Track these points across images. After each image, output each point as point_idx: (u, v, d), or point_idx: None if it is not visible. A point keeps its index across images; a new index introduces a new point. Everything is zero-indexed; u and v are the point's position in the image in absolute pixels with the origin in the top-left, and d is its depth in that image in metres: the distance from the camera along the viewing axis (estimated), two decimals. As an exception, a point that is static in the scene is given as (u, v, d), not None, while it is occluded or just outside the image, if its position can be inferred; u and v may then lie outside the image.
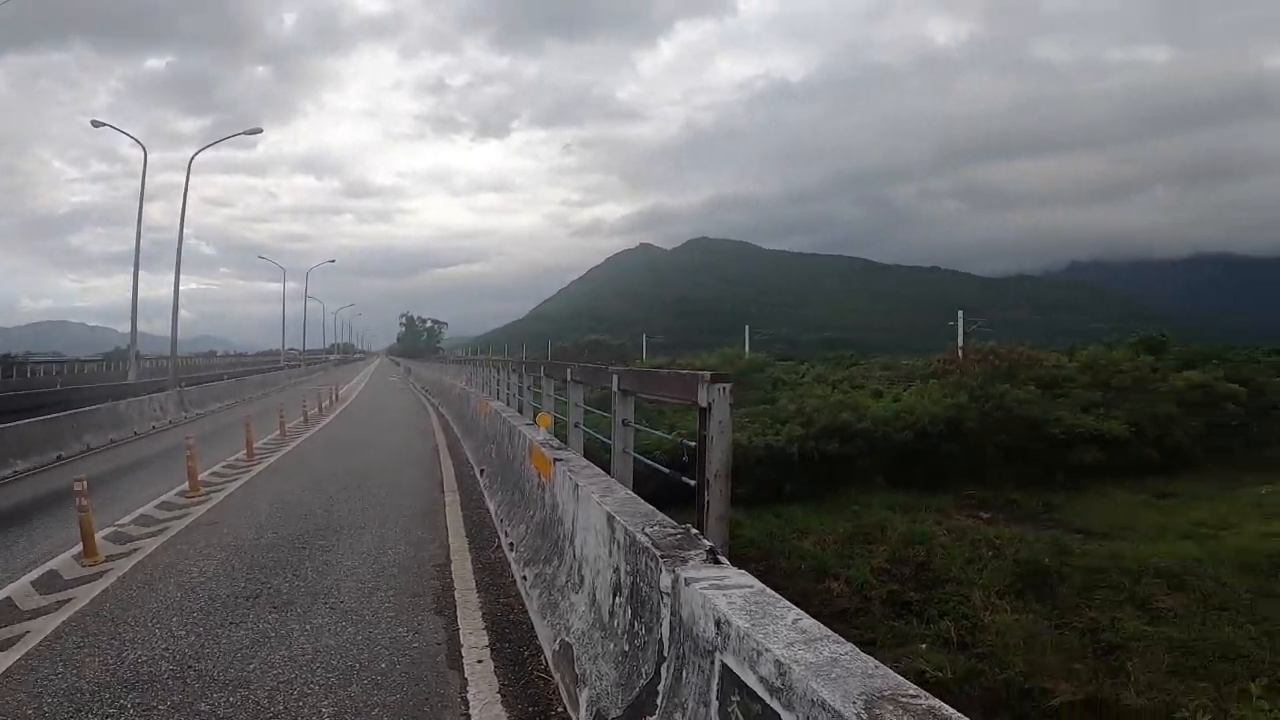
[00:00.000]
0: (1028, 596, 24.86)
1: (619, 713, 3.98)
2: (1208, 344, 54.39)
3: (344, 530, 10.41)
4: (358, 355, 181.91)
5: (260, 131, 45.05)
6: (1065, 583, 25.60)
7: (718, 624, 3.00)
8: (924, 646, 23.40)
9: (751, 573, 3.63)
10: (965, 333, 56.22)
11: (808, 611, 3.06)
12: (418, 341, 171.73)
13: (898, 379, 47.16)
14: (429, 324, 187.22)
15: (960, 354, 46.41)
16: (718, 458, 6.02)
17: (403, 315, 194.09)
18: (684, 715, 3.26)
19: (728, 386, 6.11)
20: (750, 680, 2.67)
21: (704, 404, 6.01)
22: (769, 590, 3.23)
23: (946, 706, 2.12)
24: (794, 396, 39.22)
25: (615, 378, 8.57)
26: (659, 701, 3.54)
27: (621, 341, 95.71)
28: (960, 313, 58.09)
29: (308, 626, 6.54)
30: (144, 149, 39.96)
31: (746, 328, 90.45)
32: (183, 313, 47.61)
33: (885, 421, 33.10)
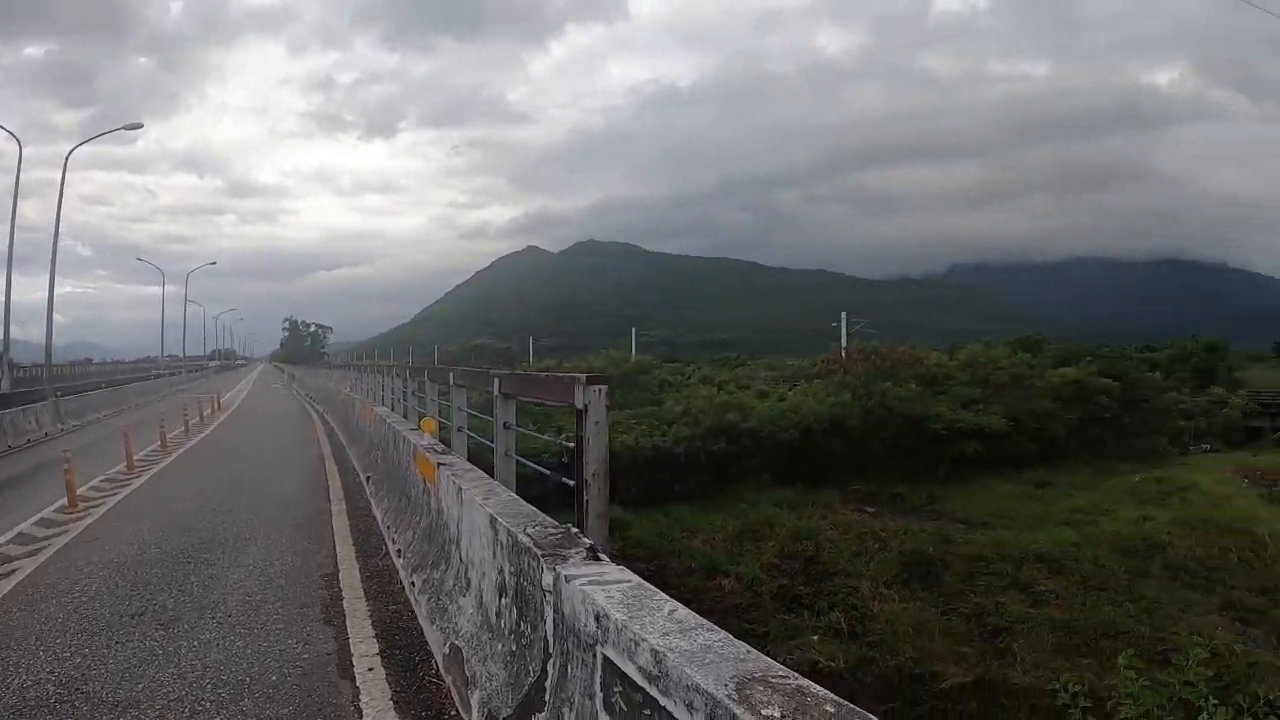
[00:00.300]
0: (914, 585, 27.32)
1: (510, 712, 4.31)
2: (1083, 343, 60.51)
3: (229, 543, 10.71)
4: (240, 361, 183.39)
5: (140, 126, 45.97)
6: (950, 571, 28.26)
7: (598, 618, 3.29)
8: (816, 638, 25.34)
9: (643, 573, 4.02)
10: (849, 333, 60.35)
11: (699, 610, 3.44)
12: (301, 347, 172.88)
13: (783, 379, 50.79)
14: (313, 328, 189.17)
15: (844, 354, 49.96)
16: (595, 457, 6.48)
17: (286, 319, 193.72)
18: (571, 709, 3.56)
19: (603, 388, 6.54)
20: (630, 670, 2.94)
21: (580, 405, 6.47)
22: (646, 584, 3.55)
23: (814, 685, 2.42)
24: (680, 398, 42.34)
25: (497, 381, 9.09)
26: (547, 698, 3.88)
27: (508, 345, 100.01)
28: (844, 314, 62.56)
29: (196, 643, 6.79)
30: (19, 142, 39.76)
31: (633, 330, 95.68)
32: (57, 317, 45.52)
33: (771, 421, 35.86)
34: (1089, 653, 24.64)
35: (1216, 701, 5.59)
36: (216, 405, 38.30)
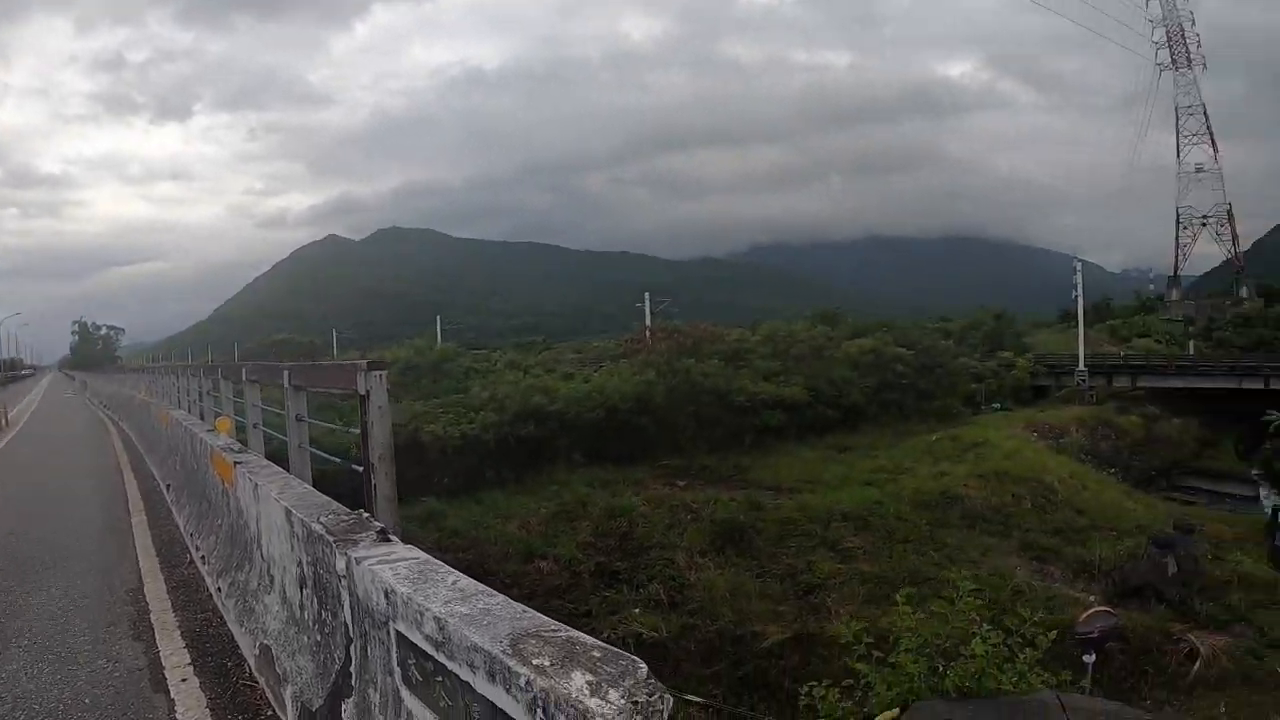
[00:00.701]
0: (728, 552, 31.46)
1: (321, 702, 4.72)
2: (879, 316, 68.50)
3: (28, 565, 10.96)
4: (26, 371, 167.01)
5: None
6: (761, 535, 32.44)
7: (387, 594, 3.66)
8: (638, 611, 28.95)
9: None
10: (652, 313, 65.97)
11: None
12: (93, 351, 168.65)
13: (589, 361, 55.03)
14: (104, 331, 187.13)
15: (648, 334, 55.35)
16: (380, 442, 7.16)
17: (75, 322, 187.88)
18: (375, 689, 3.95)
19: (383, 374, 7.27)
20: (418, 640, 3.30)
21: (363, 391, 7.12)
22: (433, 560, 3.96)
23: (583, 636, 2.79)
24: (487, 384, 45.62)
25: (286, 374, 9.86)
26: (353, 682, 4.28)
27: (310, 339, 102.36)
28: (647, 295, 68.65)
29: (3, 675, 6.95)
30: None
31: (438, 318, 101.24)
32: None
33: (577, 402, 39.61)
34: (905, 603, 29.67)
35: (989, 627, 6.61)
36: (4, 422, 37.28)
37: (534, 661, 2.57)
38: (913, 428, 46.00)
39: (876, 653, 6.50)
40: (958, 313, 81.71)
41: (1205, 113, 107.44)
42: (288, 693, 5.34)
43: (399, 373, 50.43)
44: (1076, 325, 62.61)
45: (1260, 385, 57.36)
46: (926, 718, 5.05)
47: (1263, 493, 48.30)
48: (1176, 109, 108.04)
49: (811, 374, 44.59)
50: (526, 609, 3.09)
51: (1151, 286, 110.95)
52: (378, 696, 3.91)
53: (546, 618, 2.98)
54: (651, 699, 2.37)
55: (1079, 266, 67.45)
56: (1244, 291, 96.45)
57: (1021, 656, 5.94)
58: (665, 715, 2.39)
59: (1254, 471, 52.81)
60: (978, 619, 6.35)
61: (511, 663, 2.62)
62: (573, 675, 2.46)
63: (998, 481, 36.54)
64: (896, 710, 5.26)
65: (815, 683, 6.64)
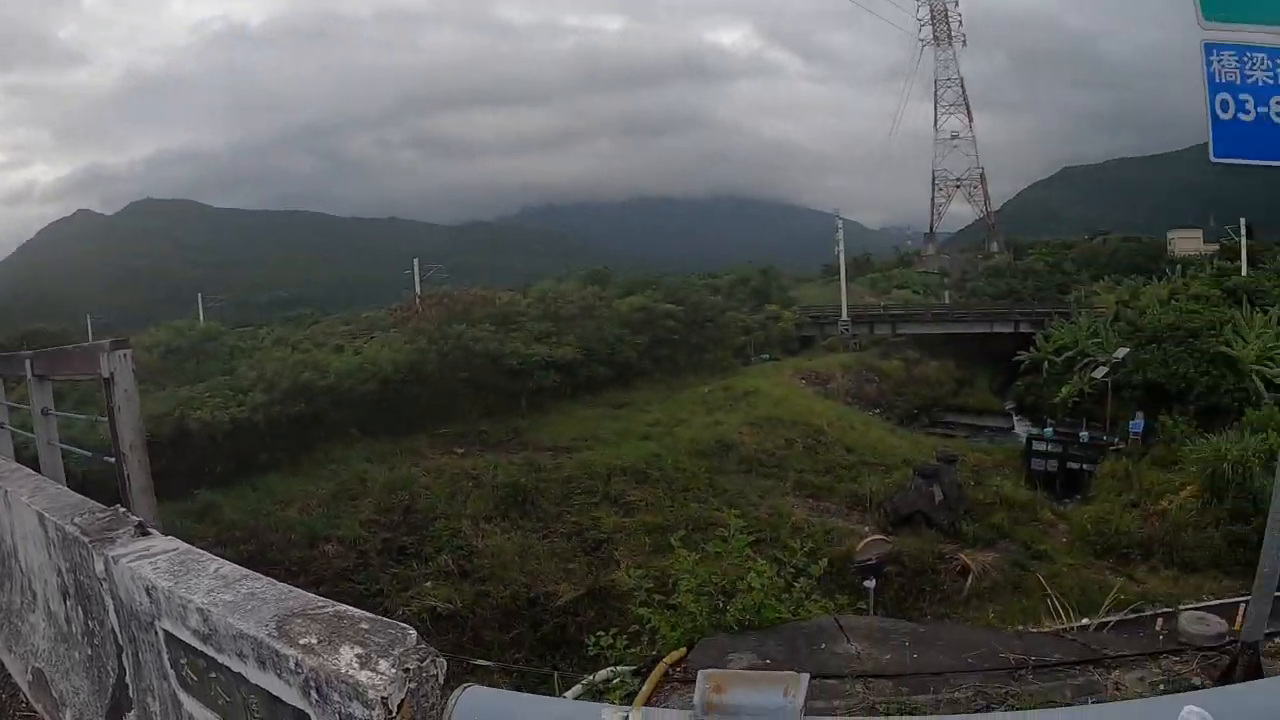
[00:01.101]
0: (513, 515, 31.59)
1: None
2: (649, 275, 69.26)
3: None
4: None
5: None
6: (545, 496, 32.73)
7: (149, 592, 3.41)
8: (429, 584, 28.67)
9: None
10: (422, 280, 64.76)
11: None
12: None
13: (359, 333, 52.91)
14: None
15: (418, 302, 54.75)
16: (130, 428, 6.61)
17: None
18: (154, 697, 3.67)
19: (127, 353, 6.70)
20: (186, 636, 3.09)
21: (106, 374, 6.57)
22: (194, 549, 3.78)
23: (350, 609, 2.72)
24: (254, 363, 43.55)
25: (28, 363, 8.93)
26: (131, 694, 3.99)
27: (63, 326, 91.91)
28: (415, 261, 67.48)
29: None
30: None
31: (199, 296, 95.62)
32: None
33: (349, 375, 38.57)
34: (683, 547, 30.36)
35: (764, 561, 6.48)
36: None
37: (301, 641, 2.50)
38: (686, 381, 47.19)
39: (658, 597, 6.36)
40: (724, 268, 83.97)
41: (963, 85, 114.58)
42: (67, 717, 4.98)
43: (160, 357, 47.81)
44: (839, 279, 65.90)
45: (1010, 329, 62.62)
46: (712, 653, 5.04)
47: (1016, 424, 52.57)
48: (936, 81, 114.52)
49: (584, 333, 45.02)
50: (293, 589, 2.99)
51: (909, 242, 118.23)
52: (157, 705, 3.65)
53: (314, 595, 2.91)
54: (423, 664, 2.35)
55: (841, 224, 70.80)
56: (994, 247, 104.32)
57: (796, 585, 5.94)
58: (439, 678, 2.37)
59: (1007, 405, 57.81)
60: (752, 555, 6.40)
61: (279, 645, 2.52)
62: (341, 650, 2.41)
63: (770, 427, 37.99)
64: (683, 649, 5.16)
65: (601, 632, 6.38)
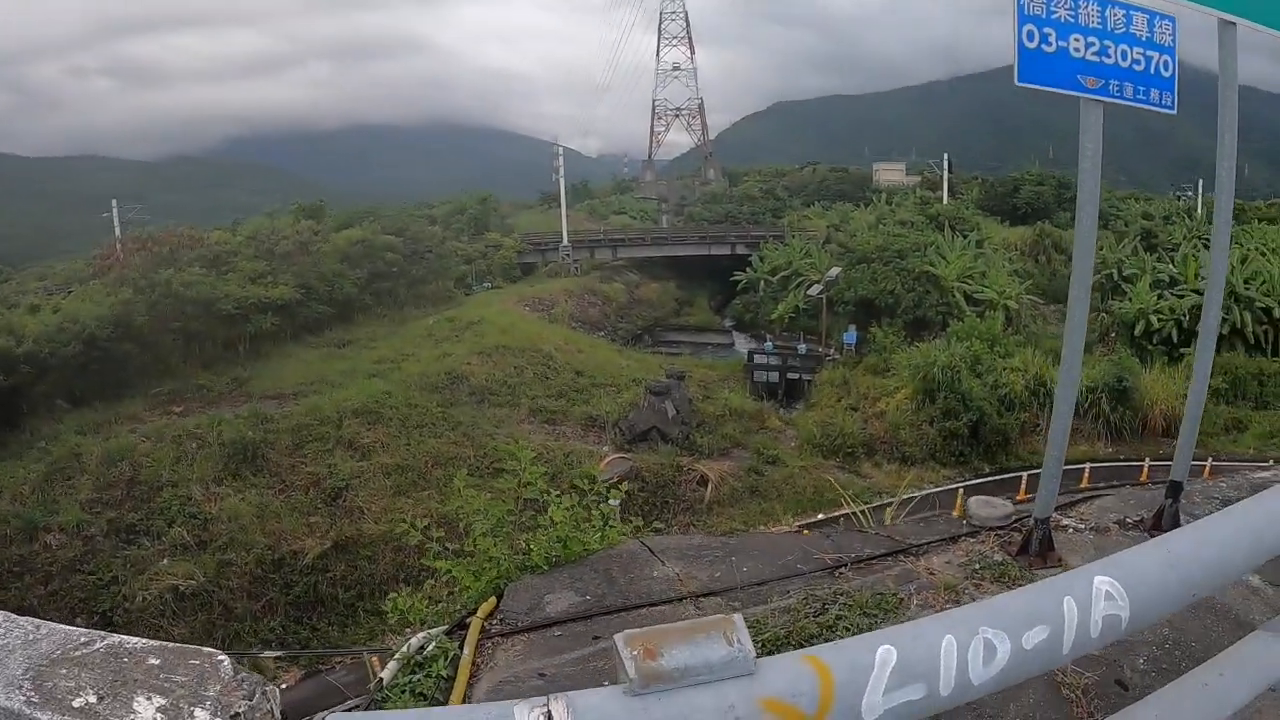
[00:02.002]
0: (245, 474, 29.76)
1: None
2: (367, 206, 66.73)
3: None
4: None
5: None
6: (275, 448, 31.07)
7: None
8: (166, 562, 26.63)
9: None
10: (123, 223, 58.41)
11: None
12: None
13: (56, 288, 48.05)
14: None
15: (119, 247, 49.97)
16: None
17: None
18: None
19: None
20: None
21: None
22: None
23: (127, 640, 1.99)
24: None
25: None
26: None
27: None
28: (114, 202, 60.78)
29: None
30: None
31: None
32: None
33: (49, 338, 34.59)
34: (425, 485, 29.78)
35: (556, 491, 6.01)
36: None
37: (76, 702, 1.76)
38: (410, 314, 46.40)
39: (450, 545, 5.95)
40: (441, 198, 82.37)
41: (687, 19, 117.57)
42: None
43: None
44: (558, 206, 66.10)
45: (728, 251, 65.53)
46: (526, 597, 4.83)
47: (736, 340, 55.10)
48: (661, 14, 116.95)
49: (301, 271, 42.90)
50: (42, 624, 2.08)
51: (627, 170, 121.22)
52: None
53: (71, 628, 2.07)
54: (254, 702, 1.78)
55: (561, 151, 70.84)
56: (711, 174, 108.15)
57: (596, 512, 5.79)
58: (275, 714, 1.82)
59: (727, 323, 60.55)
60: (546, 487, 5.92)
61: (45, 716, 1.74)
62: (136, 705, 1.75)
63: (499, 356, 37.90)
64: (493, 599, 4.88)
65: (395, 594, 5.94)
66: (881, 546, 5.68)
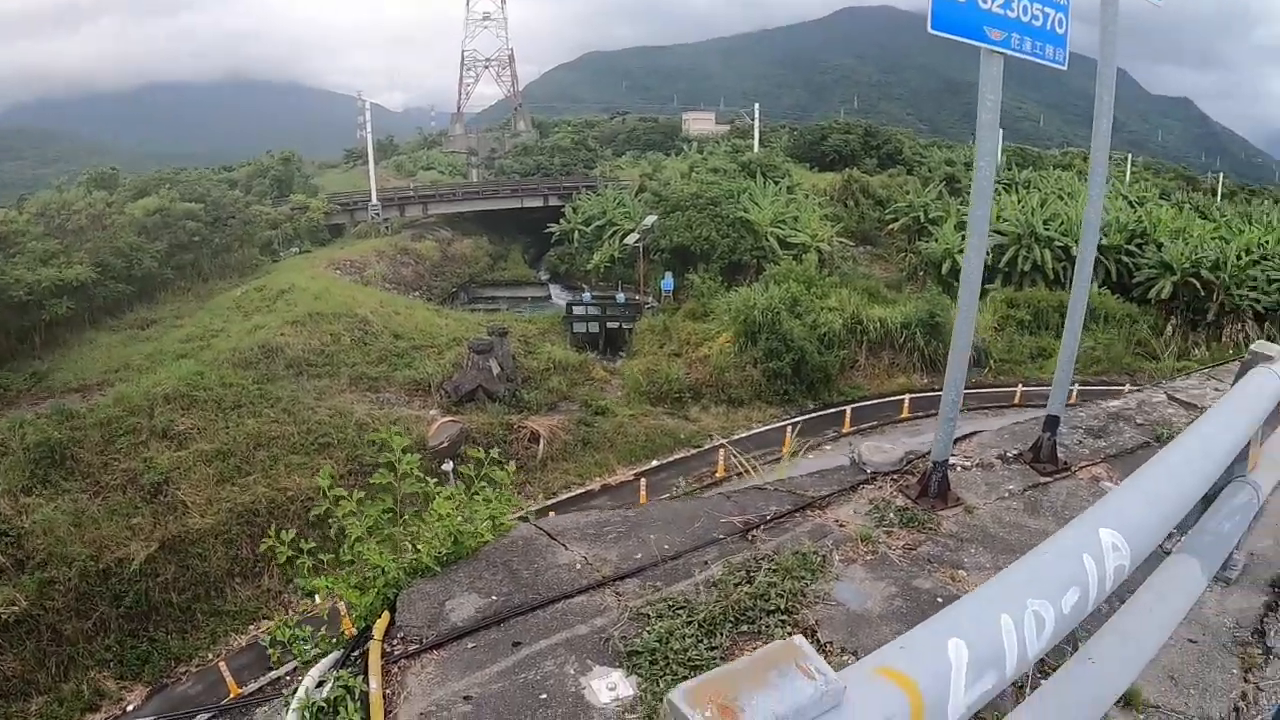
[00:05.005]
0: (55, 479, 27.13)
1: None
2: (162, 172, 62.72)
3: None
4: None
5: None
6: (85, 447, 28.50)
7: None
8: (-24, 590, 24.09)
9: None
10: None
11: None
12: None
13: None
14: None
15: None
16: None
17: None
18: None
19: None
20: None
21: None
22: None
23: None
24: None
25: None
26: None
27: None
28: None
29: None
30: None
31: None
32: None
33: None
34: (249, 469, 28.39)
35: (437, 480, 5.54)
36: None
37: None
38: (216, 287, 43.99)
39: (325, 556, 5.31)
40: (244, 161, 78.65)
41: None
42: None
43: None
44: (364, 164, 64.21)
45: (540, 203, 65.26)
46: (423, 607, 4.43)
47: (553, 292, 54.87)
48: None
49: (96, 248, 39.65)
50: None
51: (433, 124, 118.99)
52: None
53: None
54: None
55: (367, 105, 69.03)
56: (521, 126, 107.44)
57: (481, 497, 5.38)
58: None
59: (543, 276, 60.09)
60: (424, 476, 5.39)
61: None
62: None
63: (313, 324, 36.49)
64: (386, 614, 4.42)
65: (270, 621, 5.35)
66: (786, 503, 5.62)
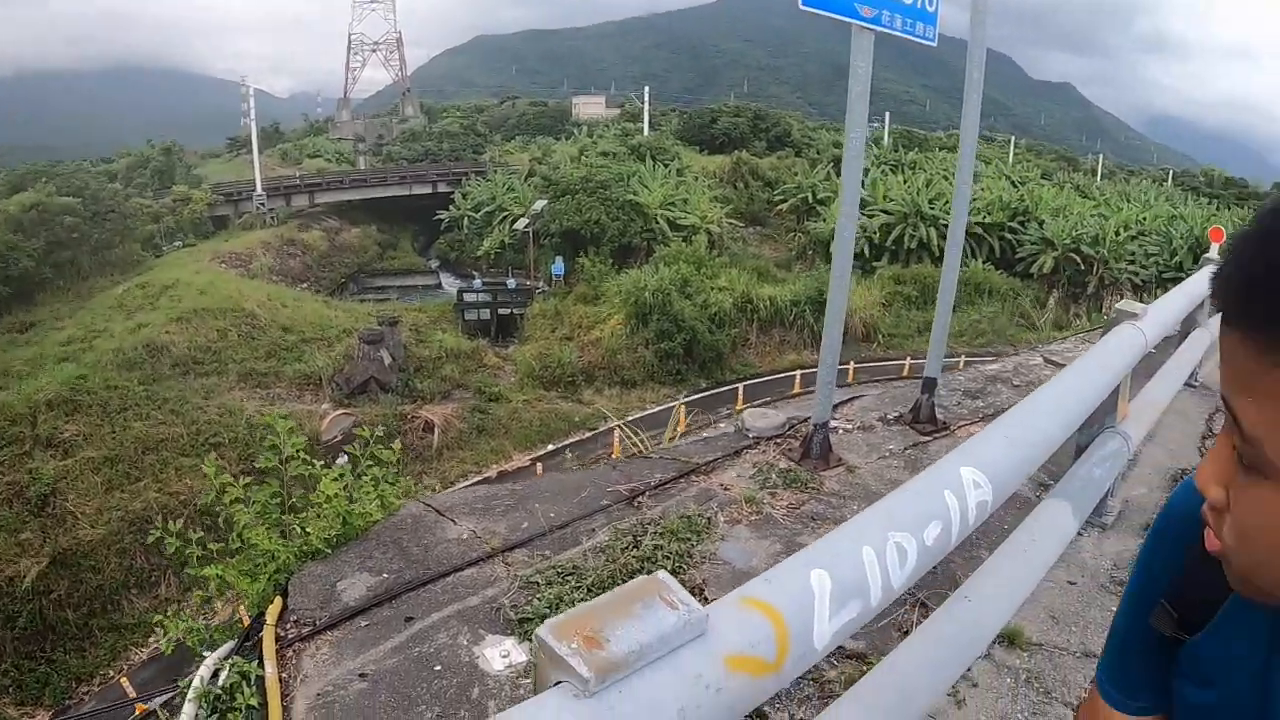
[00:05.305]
0: (-65, 499, 26.15)
1: None
2: (36, 165, 59.79)
3: None
4: None
5: None
6: (-43, 461, 27.69)
7: None
8: None
9: None
10: None
11: None
12: None
13: None
14: None
15: None
16: None
17: None
18: None
19: None
20: None
21: None
22: None
23: None
24: None
25: None
26: None
27: None
28: None
29: None
30: None
31: None
32: None
33: None
34: (139, 475, 27.45)
35: (322, 463, 5.52)
36: None
37: None
38: (96, 285, 42.23)
39: (214, 545, 5.19)
40: (123, 152, 75.97)
41: None
42: None
43: None
44: (249, 153, 61.95)
45: (429, 189, 64.34)
46: (315, 589, 4.40)
47: (444, 280, 54.27)
48: None
49: (-39, 247, 38.14)
50: None
51: (319, 110, 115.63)
52: None
53: None
54: None
55: (251, 91, 66.16)
56: (409, 111, 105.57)
57: (368, 476, 5.38)
58: None
59: (433, 263, 59.41)
60: (309, 459, 5.32)
61: None
62: None
63: (199, 320, 35.39)
64: (278, 599, 4.38)
65: (162, 615, 5.14)
66: (671, 470, 5.74)
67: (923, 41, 5.72)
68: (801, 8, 4.95)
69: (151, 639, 23.07)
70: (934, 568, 2.56)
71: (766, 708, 3.50)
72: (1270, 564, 0.97)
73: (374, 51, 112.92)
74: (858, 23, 5.20)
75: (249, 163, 60.47)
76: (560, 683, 1.41)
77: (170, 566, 22.80)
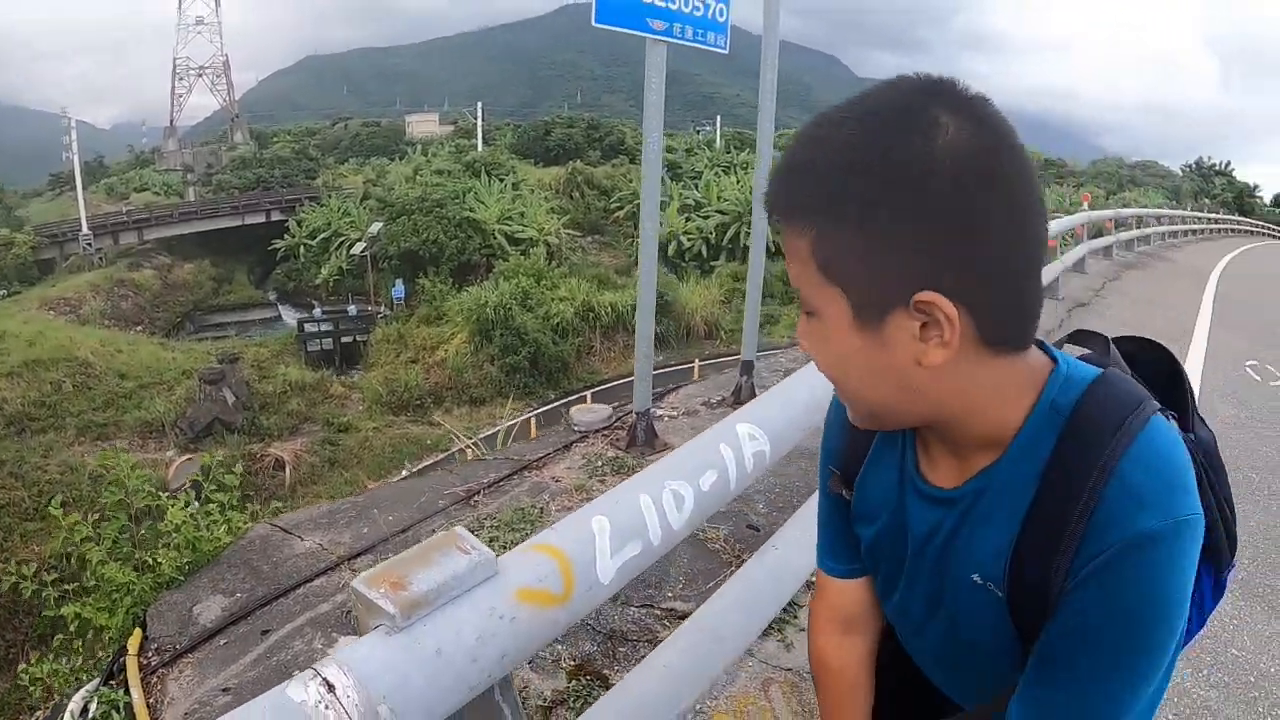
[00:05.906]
0: None
1: None
2: None
3: None
4: None
5: None
6: None
7: None
8: None
9: None
10: None
11: None
12: None
13: None
14: None
15: None
16: None
17: None
18: None
19: None
20: None
21: None
22: None
23: None
24: None
25: None
26: None
27: None
28: None
29: None
30: None
31: None
32: None
33: None
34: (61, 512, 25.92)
35: (169, 494, 5.71)
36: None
37: None
38: (-86, 343, 39.40)
39: (69, 586, 5.23)
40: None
41: None
42: None
43: None
44: (72, 189, 59.26)
45: (263, 219, 62.30)
46: (172, 617, 4.46)
47: (283, 312, 53.04)
48: None
49: None
50: None
51: (145, 140, 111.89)
52: None
53: None
54: None
55: (73, 123, 62.91)
56: (239, 137, 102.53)
57: (214, 503, 5.50)
58: None
59: (271, 296, 57.82)
60: (155, 490, 5.42)
61: None
62: None
63: (31, 374, 33.60)
64: (137, 631, 4.49)
65: (25, 665, 5.15)
66: (505, 469, 6.00)
67: (715, 49, 6.09)
68: (595, 25, 5.24)
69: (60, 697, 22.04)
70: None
71: (606, 670, 3.80)
72: (843, 384, 1.21)
73: (200, 76, 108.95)
74: (651, 36, 5.49)
75: (73, 200, 57.64)
76: (378, 626, 1.72)
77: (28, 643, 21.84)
